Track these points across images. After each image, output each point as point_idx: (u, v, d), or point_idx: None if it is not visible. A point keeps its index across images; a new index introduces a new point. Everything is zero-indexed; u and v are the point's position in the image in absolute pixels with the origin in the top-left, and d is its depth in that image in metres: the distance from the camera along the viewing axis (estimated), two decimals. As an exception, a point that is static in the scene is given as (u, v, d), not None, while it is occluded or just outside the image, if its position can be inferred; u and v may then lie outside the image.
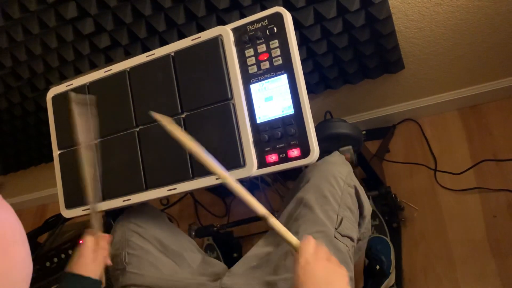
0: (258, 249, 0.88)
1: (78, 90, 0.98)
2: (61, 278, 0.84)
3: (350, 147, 1.06)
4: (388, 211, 1.32)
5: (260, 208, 0.70)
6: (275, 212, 0.97)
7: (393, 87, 1.43)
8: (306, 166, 0.90)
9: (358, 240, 0.92)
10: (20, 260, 0.42)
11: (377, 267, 1.20)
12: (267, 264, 0.83)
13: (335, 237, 0.82)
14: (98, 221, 0.88)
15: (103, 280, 0.85)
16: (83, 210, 0.96)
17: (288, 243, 0.70)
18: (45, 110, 1.32)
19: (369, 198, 1.31)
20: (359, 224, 0.91)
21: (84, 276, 0.80)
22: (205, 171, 0.85)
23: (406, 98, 1.49)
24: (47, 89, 1.04)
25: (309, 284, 0.63)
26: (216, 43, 0.87)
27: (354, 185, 0.91)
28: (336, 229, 0.83)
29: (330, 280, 0.65)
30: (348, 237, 0.84)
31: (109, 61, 1.29)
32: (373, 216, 1.31)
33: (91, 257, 0.83)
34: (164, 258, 0.92)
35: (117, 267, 0.93)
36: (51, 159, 1.72)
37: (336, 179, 0.88)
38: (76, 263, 0.82)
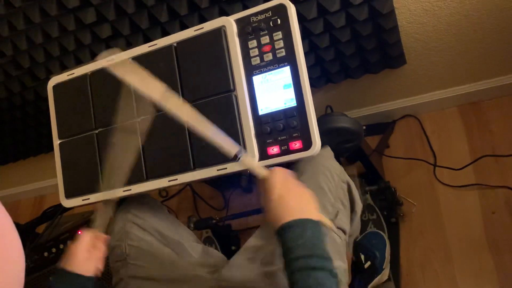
0: (254, 241, 0.89)
1: (79, 80, 0.98)
2: (54, 272, 0.82)
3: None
4: (386, 206, 1.32)
5: (231, 148, 0.72)
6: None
7: (394, 83, 1.43)
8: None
9: (349, 235, 0.93)
10: (15, 254, 0.41)
11: (368, 263, 1.19)
12: (264, 255, 0.84)
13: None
14: (104, 219, 0.85)
15: (99, 272, 0.84)
16: (83, 200, 0.96)
17: (260, 176, 0.74)
18: (44, 99, 1.31)
19: (368, 193, 1.33)
20: (351, 220, 0.93)
21: (77, 274, 0.79)
22: (206, 162, 0.85)
23: (407, 94, 1.49)
24: (47, 79, 1.03)
25: (285, 216, 0.67)
26: (219, 34, 0.87)
27: (347, 181, 0.93)
28: (332, 220, 0.84)
29: (302, 206, 0.70)
30: (342, 229, 0.86)
31: (110, 51, 1.28)
32: (371, 210, 1.32)
33: (85, 256, 0.81)
34: (165, 248, 0.92)
35: (117, 259, 0.93)
36: (50, 149, 1.71)
37: (330, 172, 0.89)
38: (69, 260, 0.81)
